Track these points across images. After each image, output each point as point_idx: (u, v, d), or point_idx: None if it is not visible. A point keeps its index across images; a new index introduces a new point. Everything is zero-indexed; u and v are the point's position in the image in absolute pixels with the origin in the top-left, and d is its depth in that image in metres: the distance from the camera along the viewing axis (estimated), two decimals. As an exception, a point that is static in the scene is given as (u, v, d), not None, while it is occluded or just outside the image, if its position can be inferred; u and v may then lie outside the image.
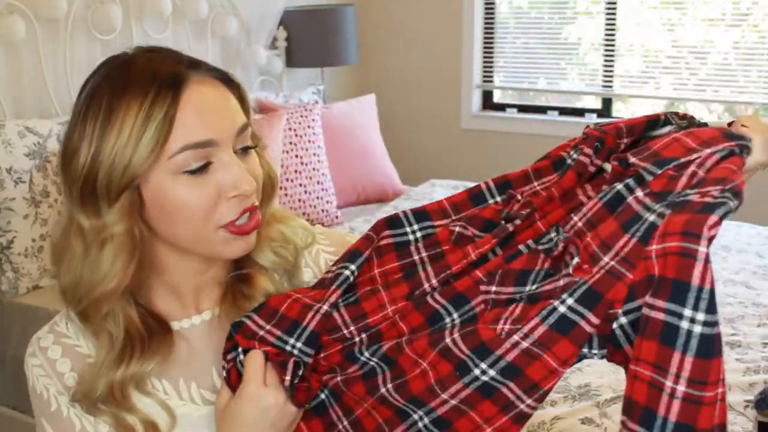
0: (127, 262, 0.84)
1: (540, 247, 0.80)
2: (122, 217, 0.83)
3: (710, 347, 0.68)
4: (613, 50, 3.63)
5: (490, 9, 3.84)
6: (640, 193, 0.76)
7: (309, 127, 2.95)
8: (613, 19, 3.58)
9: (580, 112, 3.78)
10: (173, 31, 2.93)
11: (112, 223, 0.83)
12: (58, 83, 2.57)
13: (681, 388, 0.68)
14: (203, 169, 0.83)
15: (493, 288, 0.80)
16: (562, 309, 0.74)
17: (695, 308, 0.68)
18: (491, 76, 3.92)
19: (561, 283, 0.76)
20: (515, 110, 3.89)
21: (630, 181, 0.78)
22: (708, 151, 0.77)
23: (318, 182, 2.93)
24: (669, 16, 3.52)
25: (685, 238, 0.70)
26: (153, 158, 0.81)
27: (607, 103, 3.72)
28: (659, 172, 0.76)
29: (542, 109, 3.86)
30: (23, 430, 2.31)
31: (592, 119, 3.72)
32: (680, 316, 0.68)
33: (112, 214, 0.83)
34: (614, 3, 3.56)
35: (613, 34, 3.61)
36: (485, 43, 3.88)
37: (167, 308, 0.93)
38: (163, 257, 0.90)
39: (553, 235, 0.80)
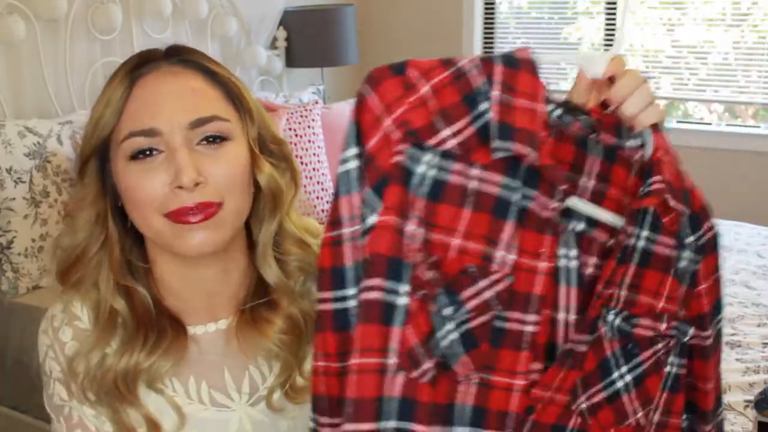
0: (91, 229, 0.89)
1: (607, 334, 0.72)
2: (88, 189, 0.89)
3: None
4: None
5: (490, 9, 3.84)
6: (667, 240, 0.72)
7: (309, 127, 2.95)
8: (613, 19, 3.58)
9: (580, 112, 3.77)
10: (173, 31, 2.93)
11: (81, 194, 0.90)
12: (58, 83, 2.57)
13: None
14: (149, 155, 0.85)
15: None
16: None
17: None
18: (491, 76, 3.92)
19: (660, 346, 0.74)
20: (515, 110, 3.89)
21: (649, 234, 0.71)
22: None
23: (318, 182, 2.93)
24: (669, 16, 3.52)
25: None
26: (105, 136, 0.87)
27: (607, 103, 3.72)
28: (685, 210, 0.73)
29: (542, 109, 3.86)
30: (23, 430, 2.30)
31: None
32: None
33: (82, 186, 0.90)
34: (614, 3, 3.56)
35: (613, 34, 3.60)
36: (485, 43, 3.88)
37: (179, 312, 0.93)
38: (153, 254, 0.92)
39: (611, 319, 0.72)
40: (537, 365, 0.70)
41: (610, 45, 3.61)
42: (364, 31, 3.81)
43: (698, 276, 0.74)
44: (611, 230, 0.72)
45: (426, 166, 0.66)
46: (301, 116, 2.94)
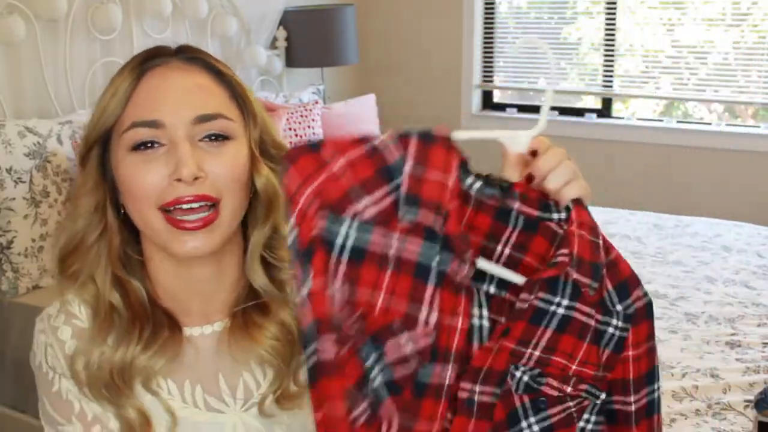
0: (89, 219, 0.89)
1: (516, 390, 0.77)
2: (88, 178, 0.90)
3: None
4: (613, 50, 3.63)
5: (490, 9, 3.84)
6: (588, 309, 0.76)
7: (309, 127, 2.95)
8: (613, 19, 3.58)
9: (580, 112, 3.78)
10: (173, 31, 2.93)
11: (81, 183, 0.90)
12: (58, 83, 2.57)
13: None
14: (151, 147, 0.85)
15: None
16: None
17: None
18: (491, 76, 3.92)
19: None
20: (515, 110, 3.89)
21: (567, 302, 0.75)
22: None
23: (318, 182, 2.93)
24: (669, 16, 3.52)
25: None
26: (108, 125, 0.87)
27: (607, 103, 3.72)
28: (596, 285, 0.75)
29: (542, 109, 3.86)
30: (23, 430, 2.30)
31: (592, 119, 3.72)
32: None
33: (83, 176, 0.90)
34: (614, 3, 3.56)
35: (613, 34, 3.61)
36: (485, 43, 3.88)
37: (175, 313, 0.93)
38: (149, 251, 0.92)
39: (519, 375, 0.77)
40: (450, 415, 0.76)
41: (611, 45, 3.61)
42: (364, 31, 3.81)
43: (626, 342, 0.77)
44: (519, 290, 0.76)
45: (343, 237, 0.71)
46: (301, 116, 2.95)
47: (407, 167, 0.71)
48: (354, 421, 0.72)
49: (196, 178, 0.83)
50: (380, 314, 0.72)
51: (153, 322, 0.89)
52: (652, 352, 0.79)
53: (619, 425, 0.79)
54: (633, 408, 0.79)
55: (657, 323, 2.23)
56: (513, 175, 0.78)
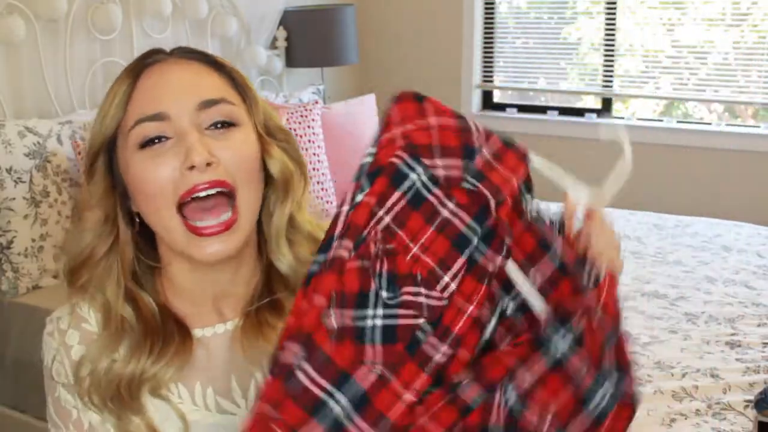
0: (99, 230, 0.88)
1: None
2: (96, 188, 0.88)
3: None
4: (613, 50, 3.63)
5: (490, 9, 3.84)
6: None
7: (309, 127, 2.95)
8: (613, 19, 3.59)
9: (580, 112, 3.78)
10: (173, 31, 2.93)
11: (90, 194, 0.89)
12: (58, 83, 2.57)
13: None
14: (158, 143, 0.84)
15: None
16: None
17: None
18: (491, 76, 3.92)
19: None
20: (515, 110, 3.89)
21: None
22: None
23: (318, 182, 2.93)
24: (669, 16, 3.52)
25: None
26: (112, 130, 0.87)
27: (607, 103, 3.72)
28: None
29: (542, 109, 3.86)
30: (23, 430, 2.30)
31: (592, 119, 3.72)
32: None
33: (90, 186, 0.89)
34: (614, 3, 3.56)
35: (613, 34, 3.61)
36: (485, 43, 3.88)
37: (186, 316, 0.92)
38: (167, 258, 0.91)
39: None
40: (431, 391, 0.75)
41: (611, 45, 3.61)
42: (364, 31, 3.81)
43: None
44: (532, 323, 0.76)
45: (416, 176, 0.75)
46: (301, 116, 2.95)
47: (484, 151, 0.77)
48: (328, 326, 0.71)
49: (208, 164, 0.82)
50: (409, 261, 0.74)
51: (164, 333, 0.88)
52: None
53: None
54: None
55: (657, 323, 2.23)
56: (566, 225, 0.79)
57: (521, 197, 0.77)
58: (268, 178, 0.90)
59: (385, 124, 0.77)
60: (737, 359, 1.87)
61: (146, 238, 0.92)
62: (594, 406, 0.75)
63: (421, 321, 0.73)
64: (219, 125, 0.85)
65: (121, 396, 0.86)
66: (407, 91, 0.78)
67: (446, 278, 0.74)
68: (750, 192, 3.41)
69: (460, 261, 0.75)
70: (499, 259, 0.75)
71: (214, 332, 0.92)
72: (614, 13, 3.58)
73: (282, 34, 3.42)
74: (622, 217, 2.97)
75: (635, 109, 3.81)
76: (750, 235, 2.75)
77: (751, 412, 1.61)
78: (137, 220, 0.90)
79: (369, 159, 0.76)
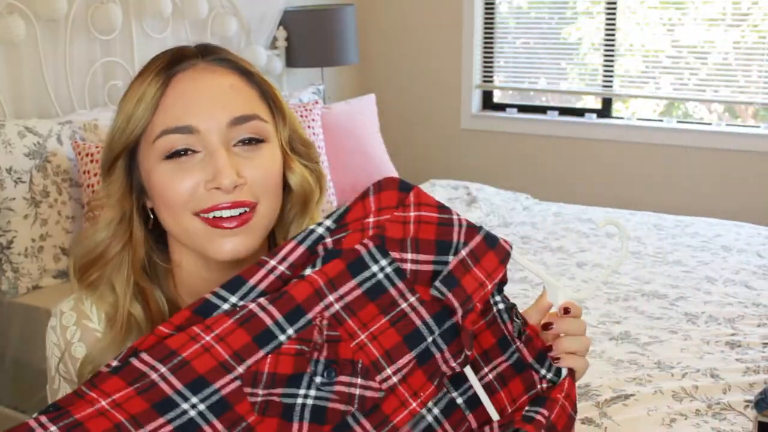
0: (114, 230, 0.87)
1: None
2: (115, 189, 0.87)
3: None
4: (613, 50, 3.63)
5: (490, 9, 3.84)
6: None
7: (309, 127, 2.95)
8: (613, 19, 3.59)
9: (580, 112, 3.78)
10: (173, 31, 2.93)
11: (108, 193, 0.88)
12: (58, 83, 2.57)
13: None
14: (184, 155, 0.83)
15: None
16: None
17: None
18: (491, 76, 3.92)
19: None
20: (515, 110, 3.89)
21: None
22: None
23: (318, 182, 2.93)
24: (669, 16, 3.52)
25: None
26: (137, 135, 0.85)
27: (607, 103, 3.72)
28: None
29: (542, 109, 3.86)
30: (23, 430, 2.30)
31: (592, 119, 3.72)
32: None
33: (108, 185, 0.88)
34: (614, 3, 3.56)
35: (613, 34, 3.61)
36: (485, 43, 3.88)
37: None
38: (179, 256, 0.90)
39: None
40: None
41: (611, 45, 3.61)
42: (364, 31, 3.81)
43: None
44: (483, 422, 0.77)
45: (378, 268, 0.73)
46: (301, 116, 2.95)
47: (463, 252, 0.75)
48: (249, 395, 0.70)
49: (235, 186, 0.82)
50: (354, 347, 0.72)
51: None
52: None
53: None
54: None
55: (657, 323, 2.23)
56: (534, 316, 0.81)
57: (491, 299, 0.77)
58: (285, 188, 0.90)
59: (359, 215, 0.74)
60: (737, 359, 1.87)
61: (156, 236, 0.92)
62: None
63: (351, 409, 0.72)
64: (247, 141, 0.85)
65: None
66: (392, 178, 0.76)
67: (389, 371, 0.73)
68: (750, 192, 3.41)
69: (408, 357, 0.73)
70: (455, 365, 0.75)
71: None
72: (614, 13, 3.58)
73: (282, 34, 3.42)
74: (622, 217, 2.97)
75: (635, 109, 3.81)
76: (750, 235, 2.75)
77: (751, 412, 1.61)
78: (152, 217, 0.90)
79: (322, 231, 0.73)
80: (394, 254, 0.74)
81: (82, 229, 0.92)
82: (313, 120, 2.97)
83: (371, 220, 0.74)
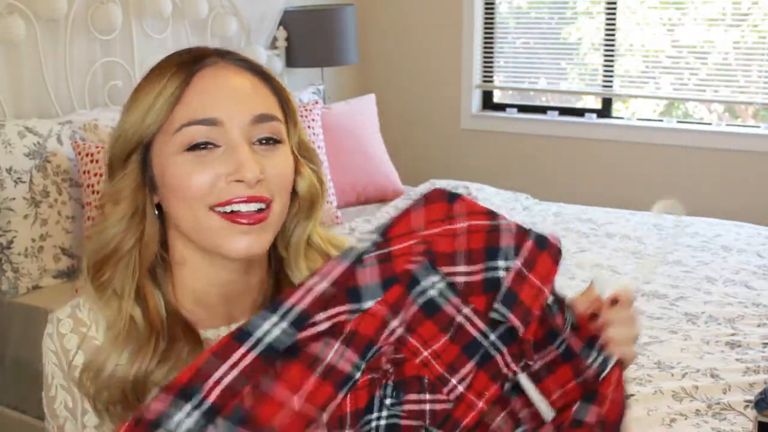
0: (127, 225, 0.86)
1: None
2: (128, 183, 0.86)
3: None
4: (613, 50, 3.63)
5: (490, 9, 3.84)
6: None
7: (309, 127, 2.95)
8: (613, 19, 3.59)
9: (580, 112, 3.78)
10: (173, 31, 2.93)
11: (121, 188, 0.87)
12: (58, 83, 2.57)
13: None
14: (205, 148, 0.83)
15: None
16: None
17: None
18: (491, 76, 3.92)
19: None
20: (515, 110, 3.89)
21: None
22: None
23: (318, 182, 2.93)
24: (669, 16, 3.52)
25: None
26: (156, 128, 0.84)
27: (607, 103, 3.72)
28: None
29: (542, 109, 3.86)
30: (23, 430, 2.31)
31: (592, 119, 3.72)
32: None
33: (121, 180, 0.87)
34: (614, 3, 3.56)
35: (613, 34, 3.61)
36: (485, 43, 3.88)
37: (195, 317, 0.91)
38: (183, 253, 0.90)
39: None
40: None
41: (611, 45, 3.61)
42: (364, 31, 3.81)
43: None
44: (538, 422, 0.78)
45: (431, 285, 0.73)
46: (301, 116, 2.94)
47: (517, 262, 0.74)
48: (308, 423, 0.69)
49: (257, 181, 0.83)
50: (418, 364, 0.74)
51: (169, 336, 0.87)
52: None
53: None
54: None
55: (657, 323, 2.23)
56: (582, 306, 0.80)
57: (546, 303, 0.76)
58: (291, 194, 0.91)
59: (406, 229, 0.73)
60: (737, 359, 1.87)
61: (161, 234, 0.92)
62: None
63: (424, 425, 0.75)
64: (265, 140, 0.86)
65: (128, 399, 0.85)
66: (439, 190, 0.74)
67: (453, 381, 0.75)
68: (750, 192, 3.41)
69: (469, 365, 0.75)
70: (516, 369, 0.76)
71: (218, 334, 0.92)
72: (614, 13, 3.58)
73: (282, 34, 3.42)
74: (622, 217, 2.97)
75: (635, 109, 3.81)
76: (750, 235, 2.75)
77: (751, 412, 1.61)
78: (156, 212, 0.90)
79: (366, 246, 0.72)
80: (445, 269, 0.73)
81: (93, 225, 0.90)
82: (313, 120, 2.97)
83: (422, 233, 0.73)
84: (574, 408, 0.77)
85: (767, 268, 2.43)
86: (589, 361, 0.78)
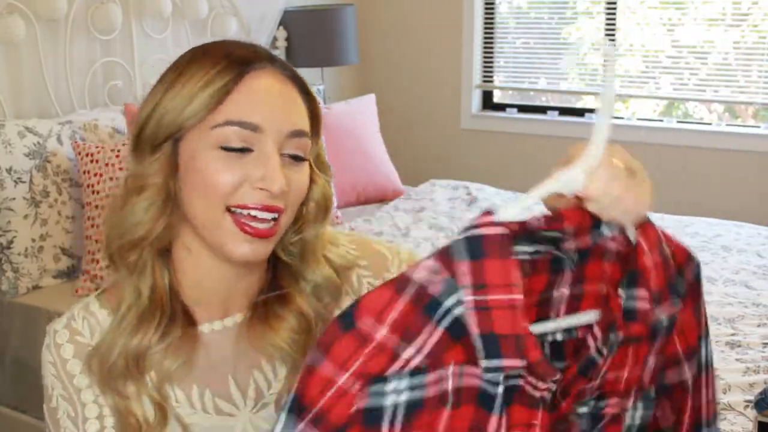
0: (158, 213, 0.86)
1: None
2: (160, 169, 0.86)
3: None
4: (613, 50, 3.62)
5: (490, 9, 3.84)
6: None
7: (309, 127, 2.95)
8: (613, 19, 3.59)
9: (580, 112, 3.78)
10: (173, 31, 2.93)
11: (151, 173, 0.86)
12: (58, 83, 2.57)
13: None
14: (240, 151, 0.84)
15: None
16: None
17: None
18: (491, 76, 3.92)
19: None
20: (515, 110, 3.89)
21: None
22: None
23: (318, 182, 2.93)
24: (669, 16, 3.52)
25: None
26: (197, 120, 0.84)
27: (607, 103, 3.72)
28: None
29: (542, 109, 3.86)
30: (23, 430, 2.31)
31: (592, 119, 3.71)
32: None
33: (152, 164, 0.86)
34: (614, 3, 3.56)
35: (613, 34, 3.61)
36: (485, 43, 3.88)
37: (194, 307, 0.92)
38: (190, 241, 0.90)
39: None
40: None
41: (611, 45, 3.61)
42: (364, 31, 3.81)
43: (676, 322, 0.73)
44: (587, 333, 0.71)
45: (394, 395, 0.63)
46: (301, 116, 2.95)
47: (468, 299, 0.63)
48: None
49: (281, 192, 0.84)
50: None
51: (169, 317, 0.88)
52: (698, 309, 0.76)
53: (677, 395, 0.77)
54: (688, 375, 0.77)
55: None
56: (560, 201, 0.70)
57: (514, 256, 0.66)
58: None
59: (321, 384, 0.62)
60: (737, 359, 1.87)
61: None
62: (662, 330, 0.72)
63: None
64: (293, 156, 0.87)
65: (127, 369, 0.86)
66: (328, 328, 0.64)
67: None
68: (750, 192, 3.41)
69: (494, 418, 0.68)
70: (544, 385, 0.68)
71: (212, 329, 0.93)
72: (614, 13, 3.57)
73: (282, 34, 3.43)
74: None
75: (635, 109, 3.81)
76: (750, 235, 2.75)
77: (751, 412, 1.61)
78: None
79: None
80: (392, 369, 0.63)
81: (114, 205, 0.90)
82: (313, 120, 2.97)
83: (342, 379, 0.62)
84: (622, 299, 0.68)
85: (767, 268, 2.43)
86: (605, 234, 0.69)
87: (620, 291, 0.69)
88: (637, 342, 0.70)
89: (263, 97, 0.85)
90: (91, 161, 2.28)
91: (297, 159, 0.87)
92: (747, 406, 1.65)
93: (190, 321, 0.91)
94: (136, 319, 0.87)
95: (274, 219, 0.85)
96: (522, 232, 0.66)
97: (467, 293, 0.63)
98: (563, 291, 0.71)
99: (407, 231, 2.78)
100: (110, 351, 0.87)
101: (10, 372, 2.31)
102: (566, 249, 0.69)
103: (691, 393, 0.78)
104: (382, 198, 3.19)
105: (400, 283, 0.64)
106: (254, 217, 0.84)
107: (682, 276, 0.73)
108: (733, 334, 2.00)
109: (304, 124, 0.88)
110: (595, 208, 0.69)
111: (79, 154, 2.31)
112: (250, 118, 0.83)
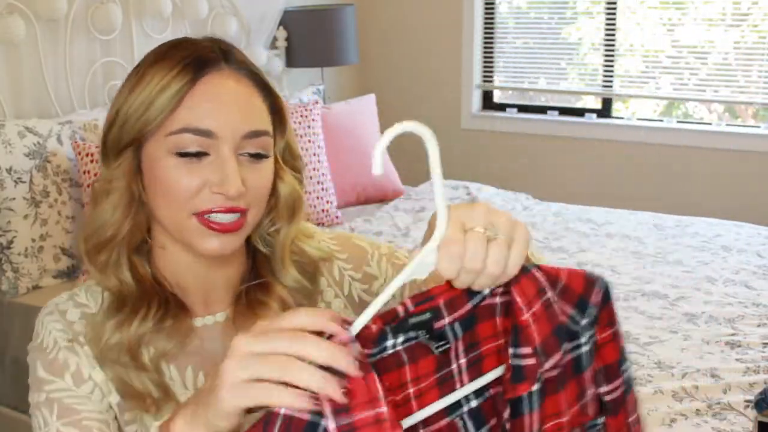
0: (123, 215, 0.88)
1: None
2: (123, 174, 0.88)
3: None
4: (613, 50, 3.63)
5: (490, 9, 3.84)
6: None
7: (309, 127, 2.95)
8: (613, 19, 3.59)
9: (580, 112, 3.78)
10: (173, 31, 2.93)
11: (116, 176, 0.88)
12: (58, 83, 2.57)
13: None
14: (196, 156, 0.85)
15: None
16: None
17: None
18: (491, 76, 3.92)
19: None
20: (515, 110, 3.89)
21: None
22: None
23: (318, 182, 2.93)
24: (669, 16, 3.52)
25: None
26: (156, 125, 0.85)
27: (607, 103, 3.72)
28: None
29: (542, 109, 3.86)
30: (23, 430, 2.30)
31: (592, 119, 3.72)
32: None
33: (116, 169, 0.88)
34: (614, 3, 3.56)
35: (613, 34, 3.61)
36: (485, 43, 3.88)
37: (186, 304, 0.94)
38: (163, 241, 0.92)
39: None
40: None
41: (611, 45, 3.61)
42: (364, 31, 3.81)
43: (597, 344, 0.73)
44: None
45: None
46: (301, 116, 2.94)
47: (331, 427, 0.59)
48: None
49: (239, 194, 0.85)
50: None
51: (163, 305, 0.90)
52: (617, 335, 0.74)
53: (609, 414, 0.77)
54: (617, 394, 0.76)
55: (657, 323, 2.23)
56: (429, 281, 0.68)
57: (383, 353, 0.64)
58: (271, 195, 0.93)
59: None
60: (737, 359, 1.87)
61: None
62: (585, 359, 0.72)
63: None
64: (253, 155, 0.87)
65: (130, 361, 0.87)
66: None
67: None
68: (750, 192, 3.41)
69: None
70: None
71: (204, 323, 0.95)
72: (614, 13, 3.58)
73: (282, 34, 3.42)
74: (622, 217, 2.97)
75: (635, 109, 3.81)
76: (750, 235, 2.75)
77: (751, 412, 1.61)
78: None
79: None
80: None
81: (88, 208, 0.93)
82: (313, 120, 2.97)
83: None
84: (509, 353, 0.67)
85: (767, 268, 2.43)
86: (485, 294, 0.67)
87: (510, 350, 0.68)
88: (562, 385, 0.70)
89: (216, 102, 0.86)
90: (91, 161, 2.28)
91: (258, 156, 0.88)
92: (747, 406, 1.65)
93: (184, 312, 0.92)
94: (127, 309, 0.88)
95: (238, 218, 0.87)
96: (391, 321, 0.63)
97: (331, 423, 0.59)
98: (461, 362, 0.69)
99: (407, 231, 2.78)
100: (105, 334, 0.88)
101: (10, 372, 2.31)
102: (441, 327, 0.66)
103: (620, 413, 0.77)
104: (382, 198, 3.19)
105: (268, 416, 0.61)
106: (216, 220, 0.86)
107: (587, 302, 0.70)
108: (733, 334, 2.00)
109: (262, 123, 0.88)
110: (459, 285, 0.65)
111: (79, 154, 2.31)
112: (204, 125, 0.84)
